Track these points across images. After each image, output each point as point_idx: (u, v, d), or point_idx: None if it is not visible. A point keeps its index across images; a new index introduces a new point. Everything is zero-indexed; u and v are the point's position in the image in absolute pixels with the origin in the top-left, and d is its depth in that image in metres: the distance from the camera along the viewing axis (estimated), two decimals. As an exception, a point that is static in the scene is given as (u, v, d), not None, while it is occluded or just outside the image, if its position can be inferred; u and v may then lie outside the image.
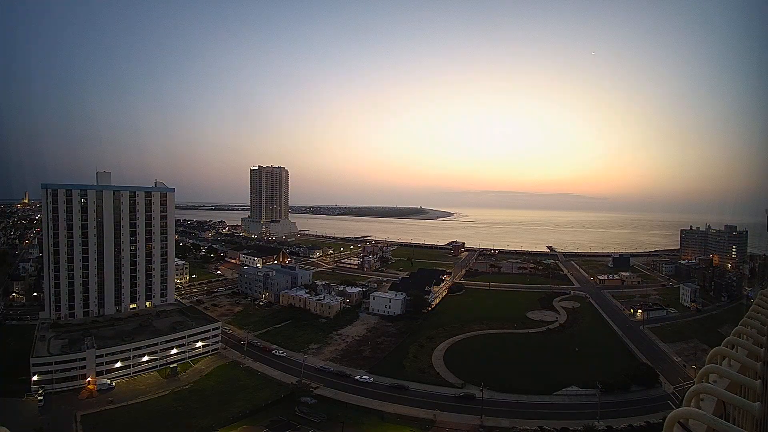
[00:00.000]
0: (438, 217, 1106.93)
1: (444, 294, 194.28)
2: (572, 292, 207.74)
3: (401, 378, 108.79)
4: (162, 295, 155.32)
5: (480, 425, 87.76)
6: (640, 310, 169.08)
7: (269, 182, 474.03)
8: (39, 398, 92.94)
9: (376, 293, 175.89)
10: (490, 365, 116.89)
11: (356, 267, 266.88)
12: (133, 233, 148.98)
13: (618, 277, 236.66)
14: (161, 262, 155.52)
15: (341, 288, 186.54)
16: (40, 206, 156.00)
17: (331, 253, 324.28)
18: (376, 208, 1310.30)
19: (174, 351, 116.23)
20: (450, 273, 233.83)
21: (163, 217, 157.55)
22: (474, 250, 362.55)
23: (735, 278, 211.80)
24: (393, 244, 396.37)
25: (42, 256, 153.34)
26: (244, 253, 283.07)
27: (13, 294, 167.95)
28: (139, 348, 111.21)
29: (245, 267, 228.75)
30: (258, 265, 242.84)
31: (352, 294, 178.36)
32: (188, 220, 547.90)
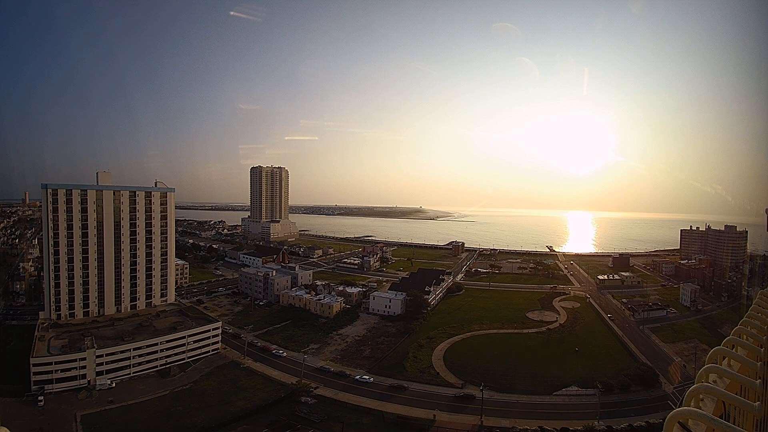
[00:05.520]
0: (438, 217, 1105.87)
1: (444, 294, 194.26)
2: (572, 292, 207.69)
3: (401, 378, 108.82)
4: (162, 295, 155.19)
5: (480, 425, 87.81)
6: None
7: (269, 182, 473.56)
8: (39, 398, 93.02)
9: (376, 293, 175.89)
10: (490, 365, 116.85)
11: (356, 267, 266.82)
12: (133, 233, 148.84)
13: (618, 277, 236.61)
14: (161, 262, 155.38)
15: (341, 288, 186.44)
16: (40, 206, 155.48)
17: (331, 253, 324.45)
18: (376, 208, 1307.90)
19: (174, 351, 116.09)
20: (450, 273, 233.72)
21: (163, 217, 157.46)
22: (474, 250, 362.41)
23: (735, 278, 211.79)
24: (393, 244, 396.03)
25: (42, 256, 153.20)
26: (244, 253, 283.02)
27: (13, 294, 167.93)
28: (139, 348, 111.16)
29: (245, 267, 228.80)
30: (258, 265, 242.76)
31: (352, 294, 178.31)
32: (188, 220, 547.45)
